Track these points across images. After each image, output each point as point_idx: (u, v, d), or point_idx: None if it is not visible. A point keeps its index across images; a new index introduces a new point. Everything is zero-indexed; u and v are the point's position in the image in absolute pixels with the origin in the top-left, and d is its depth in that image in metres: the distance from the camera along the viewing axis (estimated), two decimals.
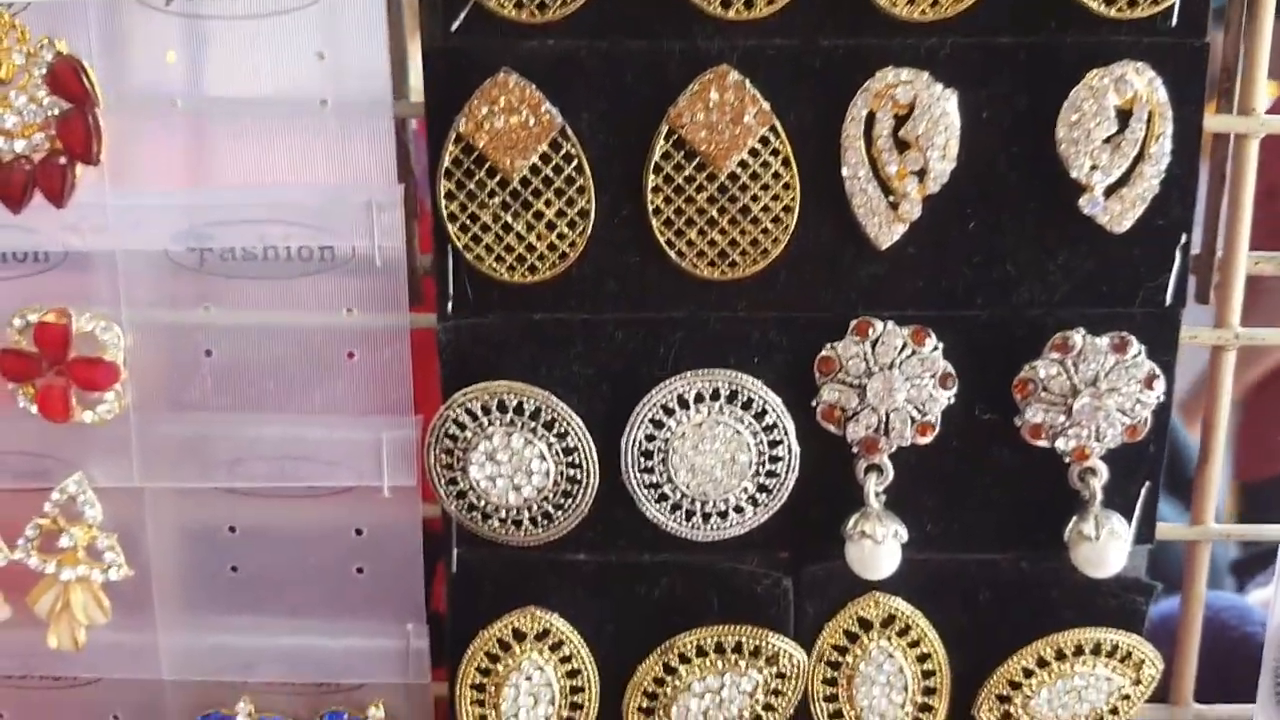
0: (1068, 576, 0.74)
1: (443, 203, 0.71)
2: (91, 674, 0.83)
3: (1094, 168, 0.69)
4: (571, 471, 0.74)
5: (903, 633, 0.77)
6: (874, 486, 0.73)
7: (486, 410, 0.73)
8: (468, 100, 0.69)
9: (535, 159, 0.70)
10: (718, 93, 0.69)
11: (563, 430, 0.73)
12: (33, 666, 0.83)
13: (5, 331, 0.75)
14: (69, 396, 0.75)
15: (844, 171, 0.70)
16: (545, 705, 0.78)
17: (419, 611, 0.81)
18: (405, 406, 0.77)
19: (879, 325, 0.72)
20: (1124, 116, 0.69)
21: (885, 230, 0.71)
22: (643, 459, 0.74)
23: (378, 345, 0.76)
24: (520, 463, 0.74)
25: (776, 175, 0.70)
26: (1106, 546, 0.72)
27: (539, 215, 0.71)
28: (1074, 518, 0.73)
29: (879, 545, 0.72)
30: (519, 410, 0.73)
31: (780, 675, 0.78)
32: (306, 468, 0.77)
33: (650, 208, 0.71)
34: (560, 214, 0.71)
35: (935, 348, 0.72)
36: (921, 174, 0.70)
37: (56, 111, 0.72)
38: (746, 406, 0.73)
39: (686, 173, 0.70)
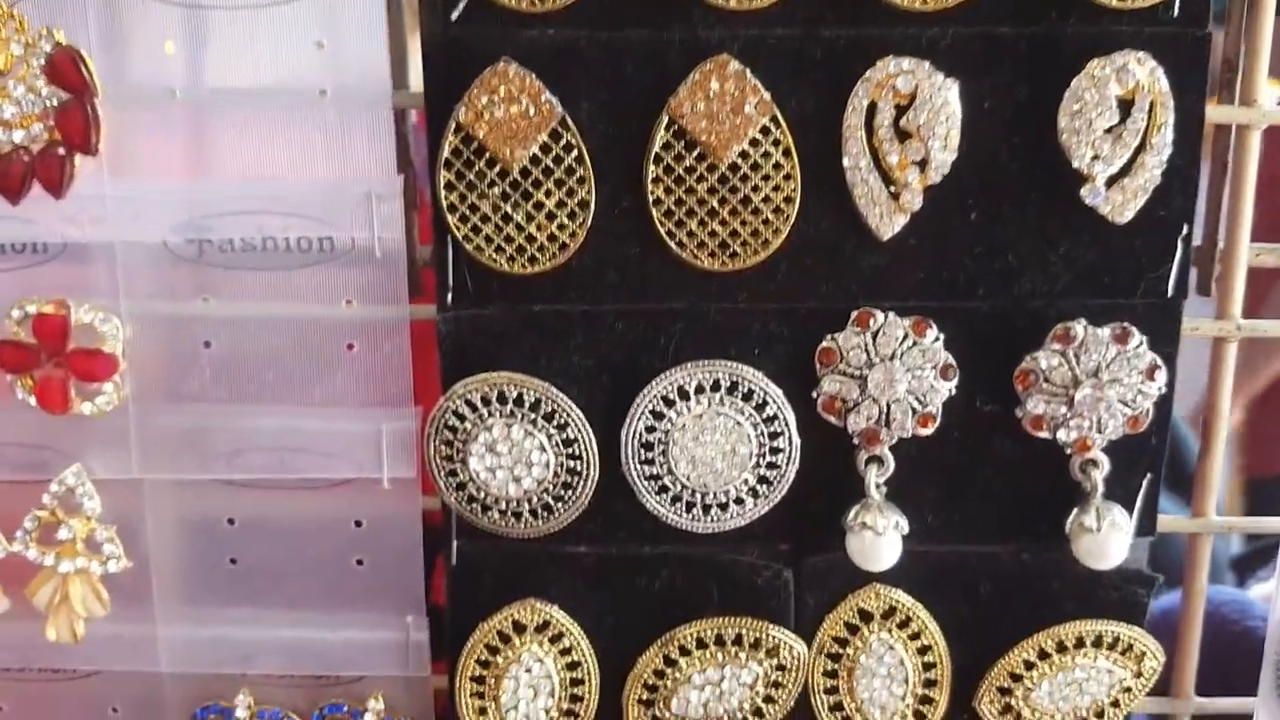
0: (1069, 568, 0.74)
1: (442, 193, 0.71)
2: (90, 666, 0.83)
3: (1095, 158, 0.69)
4: (571, 463, 0.74)
5: (903, 625, 0.77)
6: (875, 478, 0.73)
7: (486, 402, 0.73)
8: (467, 90, 0.69)
9: (535, 149, 0.70)
10: (718, 82, 0.69)
11: (563, 422, 0.73)
12: (31, 659, 0.83)
13: (4, 323, 0.75)
14: (68, 388, 0.75)
15: (845, 162, 0.70)
16: (545, 697, 0.78)
17: (419, 604, 0.81)
18: (405, 398, 0.77)
19: (880, 316, 0.72)
20: (1125, 106, 0.69)
21: (886, 221, 0.70)
22: (643, 450, 0.74)
23: (377, 337, 0.76)
24: (520, 454, 0.73)
25: (777, 165, 0.70)
26: (1108, 538, 0.72)
27: (539, 206, 0.71)
28: (1075, 509, 0.73)
29: (880, 537, 0.72)
30: (519, 402, 0.73)
31: (780, 667, 0.77)
32: (306, 459, 0.77)
33: (650, 198, 0.71)
34: (560, 204, 0.71)
35: (936, 339, 0.72)
36: (923, 164, 0.69)
37: (55, 102, 0.72)
38: (747, 398, 0.73)
39: (687, 163, 0.70)
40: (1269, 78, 0.75)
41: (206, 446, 0.78)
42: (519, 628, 0.77)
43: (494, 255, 0.72)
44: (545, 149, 0.70)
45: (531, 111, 0.69)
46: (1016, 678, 0.78)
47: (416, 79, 0.73)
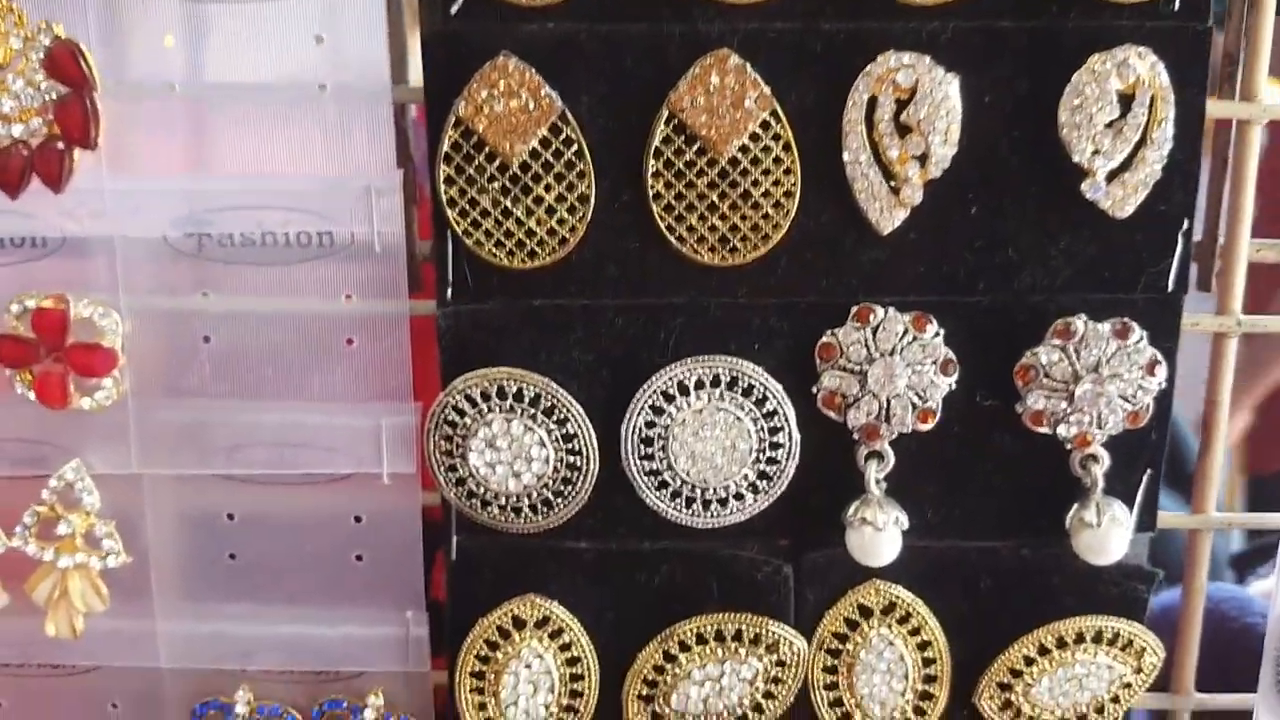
0: (1069, 564, 0.74)
1: (442, 188, 0.71)
2: (90, 662, 0.83)
3: (1096, 152, 0.69)
4: (571, 458, 0.74)
5: (903, 620, 0.77)
6: (875, 473, 0.73)
7: (486, 397, 0.73)
8: (467, 84, 0.69)
9: (535, 143, 0.70)
10: (718, 77, 0.69)
11: (562, 417, 0.73)
12: (31, 654, 0.83)
13: (3, 317, 0.75)
14: (67, 383, 0.75)
15: (845, 156, 0.70)
16: (545, 693, 0.78)
17: (418, 599, 0.80)
18: (404, 393, 0.77)
19: (880, 311, 0.72)
20: (1126, 101, 0.69)
21: (886, 215, 0.70)
22: (643, 446, 0.73)
23: (377, 331, 0.76)
24: (520, 449, 0.73)
25: (777, 160, 0.70)
26: (1108, 534, 0.72)
27: (539, 200, 0.71)
28: (1075, 505, 0.73)
29: (880, 532, 0.72)
30: (519, 397, 0.73)
31: (780, 663, 0.77)
32: (305, 454, 0.77)
33: (650, 192, 0.71)
34: (560, 199, 0.71)
35: (936, 334, 0.72)
36: (923, 159, 0.69)
37: (54, 96, 0.72)
38: (747, 393, 0.73)
39: (687, 157, 0.70)
40: (1269, 75, 0.75)
41: (206, 441, 0.78)
42: (519, 623, 0.77)
43: (494, 250, 0.72)
44: (545, 143, 0.70)
45: (531, 106, 0.69)
46: (1016, 673, 0.78)
47: (416, 73, 0.73)
